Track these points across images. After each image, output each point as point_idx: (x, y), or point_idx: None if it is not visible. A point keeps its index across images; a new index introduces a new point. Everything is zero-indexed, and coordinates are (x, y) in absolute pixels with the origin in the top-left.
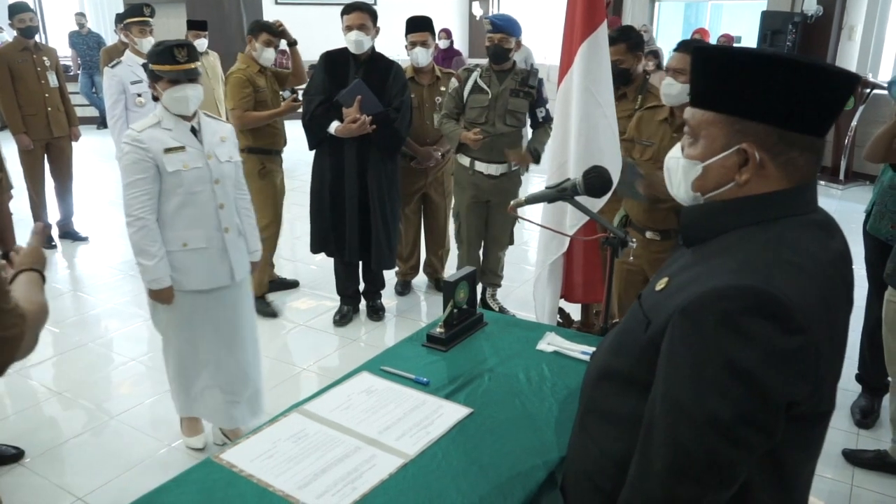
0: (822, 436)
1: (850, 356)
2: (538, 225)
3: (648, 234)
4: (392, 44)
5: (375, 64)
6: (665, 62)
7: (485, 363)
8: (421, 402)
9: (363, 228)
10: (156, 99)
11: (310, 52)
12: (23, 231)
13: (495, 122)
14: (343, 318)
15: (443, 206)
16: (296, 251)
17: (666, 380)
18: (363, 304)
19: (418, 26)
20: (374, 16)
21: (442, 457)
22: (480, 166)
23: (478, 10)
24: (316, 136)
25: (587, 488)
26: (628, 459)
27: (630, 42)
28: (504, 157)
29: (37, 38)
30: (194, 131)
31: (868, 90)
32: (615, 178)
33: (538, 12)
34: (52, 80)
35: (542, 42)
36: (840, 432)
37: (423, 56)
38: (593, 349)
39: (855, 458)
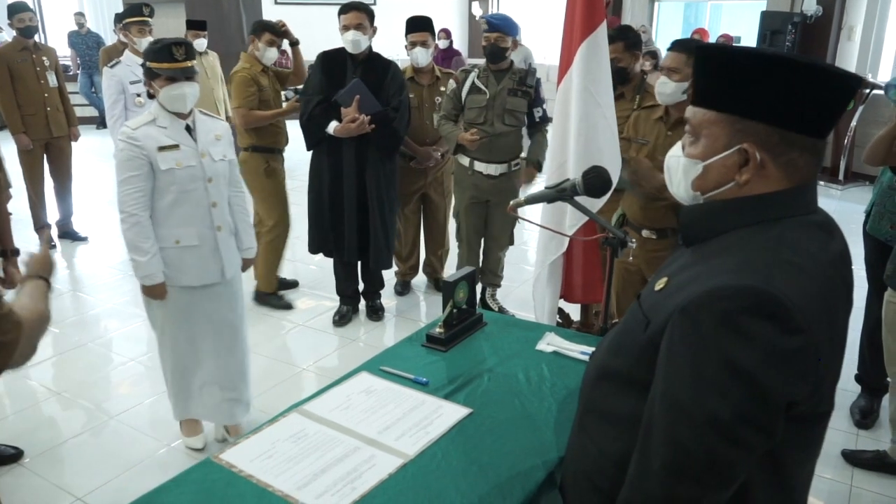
0: (822, 436)
1: (850, 356)
2: (538, 225)
3: (645, 233)
4: (392, 44)
5: (373, 64)
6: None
7: (484, 363)
8: (420, 402)
9: (362, 228)
10: (151, 96)
11: (310, 52)
12: (22, 231)
13: (494, 121)
14: (342, 318)
15: (442, 206)
16: (295, 251)
17: (665, 379)
18: (362, 304)
19: (418, 26)
20: (371, 15)
21: (441, 457)
22: (480, 166)
23: (477, 11)
24: (314, 136)
25: (586, 488)
26: (627, 459)
27: (627, 41)
28: (504, 157)
29: (36, 37)
30: (189, 129)
31: (868, 90)
32: (615, 178)
33: (538, 12)
34: (52, 79)
35: (541, 42)
36: (839, 432)
37: (423, 56)
38: (592, 349)
39: (854, 458)
